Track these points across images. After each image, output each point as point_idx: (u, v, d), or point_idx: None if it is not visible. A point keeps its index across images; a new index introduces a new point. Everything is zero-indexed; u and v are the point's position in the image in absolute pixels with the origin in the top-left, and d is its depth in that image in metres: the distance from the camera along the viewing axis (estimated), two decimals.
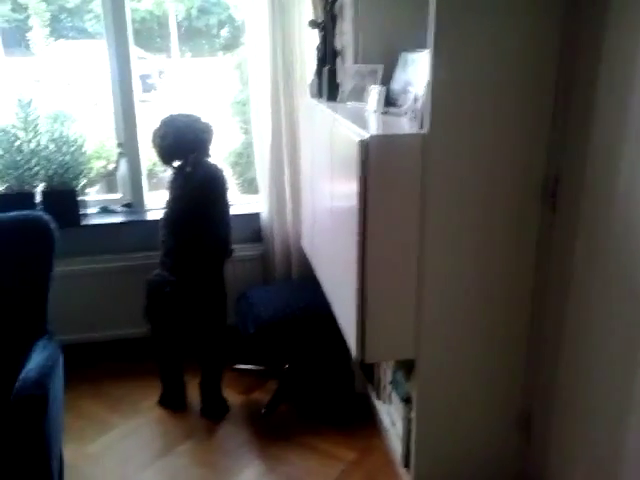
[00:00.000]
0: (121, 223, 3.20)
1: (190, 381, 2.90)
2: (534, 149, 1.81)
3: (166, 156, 2.79)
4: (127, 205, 3.30)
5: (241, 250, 3.15)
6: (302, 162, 2.97)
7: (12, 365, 2.06)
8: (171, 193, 2.79)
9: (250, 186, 4.12)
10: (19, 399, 1.83)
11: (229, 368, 3.06)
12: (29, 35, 3.32)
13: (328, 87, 2.55)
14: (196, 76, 4.66)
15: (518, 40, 1.72)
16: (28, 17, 3.35)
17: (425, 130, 1.75)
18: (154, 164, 3.80)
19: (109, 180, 3.53)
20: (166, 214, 2.74)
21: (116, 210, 3.30)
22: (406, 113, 2.04)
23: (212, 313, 2.67)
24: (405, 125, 1.97)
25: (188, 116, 2.78)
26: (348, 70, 2.48)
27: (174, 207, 2.73)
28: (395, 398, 2.25)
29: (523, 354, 2.00)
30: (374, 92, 2.23)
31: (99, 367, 3.22)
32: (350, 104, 2.44)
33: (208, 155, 2.81)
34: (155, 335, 2.74)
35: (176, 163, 2.80)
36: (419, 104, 1.93)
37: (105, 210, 3.29)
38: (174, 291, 2.57)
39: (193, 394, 2.88)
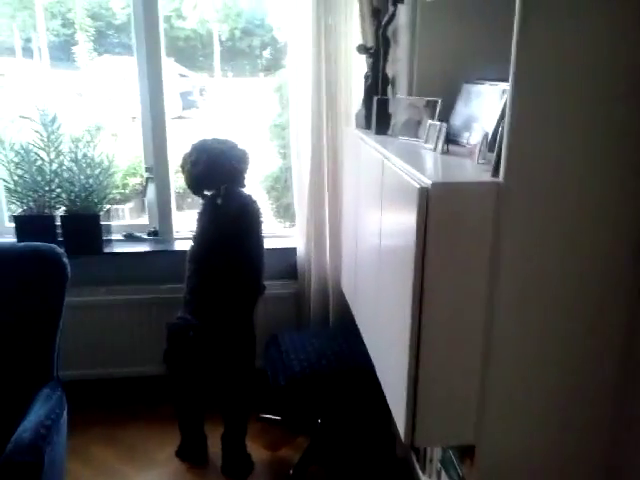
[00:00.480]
0: (146, 252, 2.98)
1: (212, 432, 2.64)
2: (631, 202, 1.52)
3: (196, 185, 2.56)
4: (154, 233, 3.08)
5: (273, 287, 2.89)
6: (344, 197, 2.71)
7: (10, 416, 1.83)
8: (199, 226, 2.55)
9: (286, 212, 3.94)
10: (10, 465, 1.59)
11: (254, 417, 2.79)
12: (74, 49, 3.27)
13: (377, 119, 2.29)
14: (236, 96, 4.61)
15: (621, 73, 1.44)
16: (75, 32, 3.31)
17: (501, 178, 1.48)
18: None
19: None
20: (192, 248, 2.51)
21: (142, 237, 3.08)
22: (471, 154, 1.77)
23: (239, 361, 2.41)
24: (470, 169, 1.70)
25: (223, 142, 2.55)
26: (401, 101, 2.23)
27: (201, 241, 2.49)
28: (445, 479, 1.96)
29: (605, 438, 1.69)
30: (433, 128, 1.97)
31: (113, 408, 2.98)
32: (403, 139, 2.18)
33: (243, 185, 2.58)
34: (175, 383, 2.48)
35: (207, 192, 2.58)
36: (486, 144, 1.67)
37: (130, 237, 3.08)
38: (197, 337, 2.32)
39: (214, 446, 2.62)
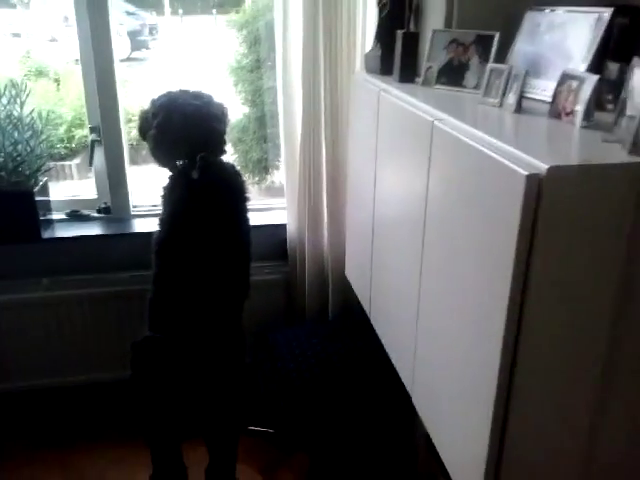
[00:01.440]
0: (96, 237, 2.36)
1: (190, 456, 2.12)
2: None
3: (164, 154, 1.96)
4: (105, 210, 2.46)
5: (258, 271, 2.29)
6: (351, 162, 2.14)
7: None
8: (168, 207, 1.96)
9: (255, 168, 3.33)
10: None
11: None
12: None
13: (403, 61, 1.71)
14: (190, 35, 4.19)
15: None
16: None
17: None
18: None
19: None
20: (159, 236, 1.91)
21: (90, 216, 2.47)
22: (559, 112, 1.23)
23: (226, 383, 1.87)
24: (579, 139, 1.17)
25: (196, 96, 1.94)
26: (439, 37, 1.65)
27: (171, 228, 1.90)
28: None
29: None
30: (496, 74, 1.40)
31: (67, 426, 2.42)
32: (442, 89, 1.62)
33: (223, 152, 1.99)
34: (145, 414, 1.93)
35: (177, 162, 1.98)
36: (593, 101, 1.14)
37: (75, 216, 2.46)
38: (172, 359, 1.77)
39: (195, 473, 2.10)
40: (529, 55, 1.49)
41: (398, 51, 1.72)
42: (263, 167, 3.33)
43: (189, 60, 4.15)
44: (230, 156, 3.82)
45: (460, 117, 1.27)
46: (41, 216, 2.31)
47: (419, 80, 1.70)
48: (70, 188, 2.94)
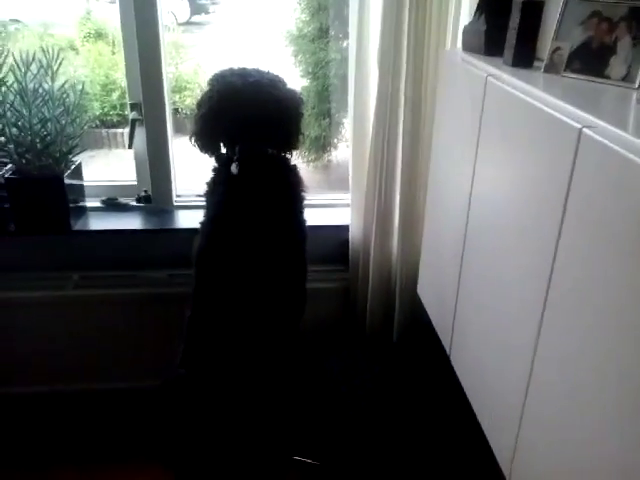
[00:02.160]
0: (132, 232, 2.06)
1: None
2: None
3: (203, 138, 1.63)
4: (145, 199, 2.16)
5: (313, 276, 1.84)
6: (435, 159, 1.77)
7: None
8: (208, 210, 1.64)
9: (314, 146, 2.99)
10: None
11: None
12: None
13: (520, 40, 1.32)
14: (249, 4, 3.72)
15: None
16: None
17: None
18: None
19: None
20: (199, 247, 1.60)
21: (128, 205, 2.17)
22: None
23: (279, 437, 1.55)
24: None
25: (253, 73, 1.60)
26: (573, 9, 1.25)
27: (211, 237, 1.58)
28: None
29: None
30: None
31: (81, 440, 2.14)
32: (573, 77, 1.23)
33: (283, 145, 1.65)
34: (175, 461, 1.62)
35: (222, 150, 1.66)
36: None
37: (111, 204, 2.16)
38: (210, 407, 1.46)
39: None
40: None
41: (514, 26, 1.33)
42: (321, 145, 3.01)
43: (250, 26, 3.87)
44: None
45: (617, 123, 0.89)
46: (73, 203, 2.02)
47: (540, 65, 1.31)
48: (121, 157, 2.67)
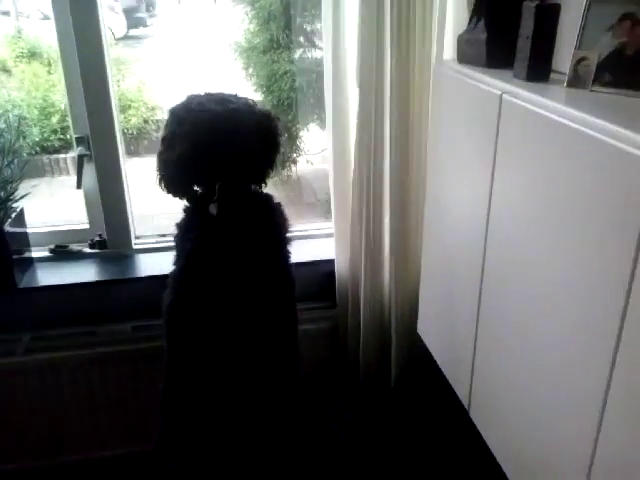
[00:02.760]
0: (87, 285, 1.80)
1: None
2: None
3: (171, 177, 1.40)
4: (100, 243, 1.90)
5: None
6: (434, 180, 1.57)
7: None
8: (179, 258, 1.41)
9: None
10: None
11: None
12: None
13: (535, 50, 1.14)
14: (192, 12, 3.70)
15: None
16: None
17: None
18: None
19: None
20: (169, 303, 1.36)
21: (81, 253, 1.91)
22: None
23: None
24: None
25: (221, 100, 1.38)
26: (596, 11, 1.07)
27: (183, 291, 1.35)
28: None
29: None
30: None
31: None
32: (605, 92, 1.05)
33: (259, 180, 1.43)
34: None
35: (196, 188, 1.43)
36: None
37: (61, 252, 1.90)
38: None
39: None
40: None
41: (527, 34, 1.14)
42: (280, 160, 2.84)
43: (194, 38, 3.68)
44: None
45: None
46: (17, 254, 1.76)
47: (558, 78, 1.14)
48: (65, 184, 2.49)
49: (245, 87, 2.80)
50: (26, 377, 1.80)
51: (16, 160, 1.71)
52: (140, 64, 3.05)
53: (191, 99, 1.40)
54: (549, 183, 0.99)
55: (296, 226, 1.97)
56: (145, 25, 4.52)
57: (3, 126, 1.68)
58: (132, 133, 2.63)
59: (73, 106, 1.75)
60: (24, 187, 1.78)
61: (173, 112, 1.39)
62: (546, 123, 0.98)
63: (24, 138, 2.42)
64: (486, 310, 1.26)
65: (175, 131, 1.35)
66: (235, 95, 1.45)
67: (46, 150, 2.58)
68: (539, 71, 1.15)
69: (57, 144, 2.51)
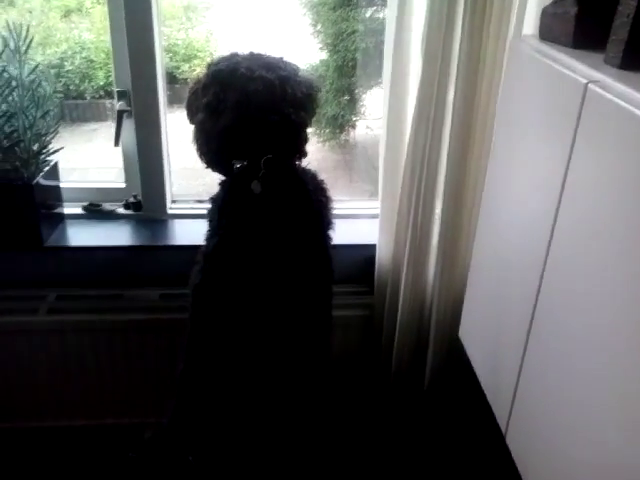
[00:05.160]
0: (116, 248, 1.72)
1: None
2: None
3: (212, 150, 1.28)
4: (135, 205, 1.82)
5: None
6: (495, 171, 1.41)
7: None
8: (212, 235, 1.30)
9: (331, 125, 2.73)
10: None
11: None
12: None
13: (634, 31, 0.96)
14: None
15: None
16: None
17: None
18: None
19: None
20: (196, 283, 1.26)
21: (114, 213, 1.83)
22: None
23: None
24: None
25: (269, 66, 1.25)
26: None
27: (215, 272, 1.25)
28: None
29: None
30: None
31: (70, 474, 1.83)
32: None
33: (301, 154, 1.30)
34: None
35: (234, 163, 1.31)
36: None
37: (94, 211, 1.83)
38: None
39: None
40: None
41: (627, 11, 0.96)
42: (339, 124, 2.77)
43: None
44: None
45: None
46: (48, 210, 1.70)
47: None
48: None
49: (311, 44, 2.70)
50: (47, 337, 1.74)
51: (52, 113, 1.62)
52: (212, 12, 2.96)
53: (237, 60, 1.28)
54: (629, 189, 0.83)
55: (339, 204, 1.86)
56: None
57: (41, 76, 1.58)
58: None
59: (117, 55, 1.65)
60: (85, 130, 1.71)
61: (217, 74, 1.27)
62: (637, 122, 0.81)
63: (89, 81, 2.44)
64: (540, 326, 1.11)
65: (220, 97, 1.23)
66: (282, 59, 1.32)
67: (110, 94, 2.53)
68: (637, 58, 0.97)
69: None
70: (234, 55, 1.30)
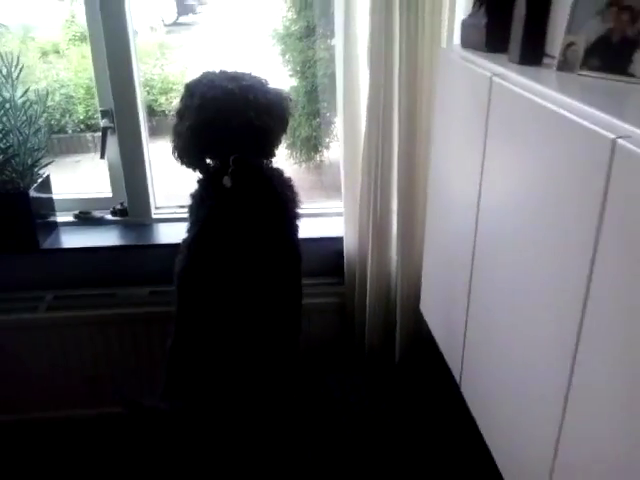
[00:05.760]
0: (107, 249, 1.91)
1: None
2: None
3: (187, 151, 1.48)
4: (121, 212, 2.00)
5: (306, 290, 1.74)
6: (436, 162, 1.62)
7: None
8: (192, 226, 1.49)
9: (305, 147, 2.94)
10: None
11: None
12: None
13: (527, 34, 1.17)
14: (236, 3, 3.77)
15: None
16: None
17: None
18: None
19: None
20: (181, 268, 1.45)
21: (103, 219, 2.02)
22: None
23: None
24: None
25: (234, 78, 1.46)
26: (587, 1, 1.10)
27: (196, 257, 1.43)
28: None
29: None
30: None
31: (71, 463, 1.98)
32: (591, 76, 1.08)
33: (269, 154, 1.50)
34: None
35: (208, 162, 1.52)
36: None
37: (84, 219, 2.01)
38: (192, 442, 1.31)
39: None
40: None
41: (519, 18, 1.17)
42: (312, 145, 2.95)
43: (237, 26, 3.79)
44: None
45: None
46: (42, 219, 1.88)
47: (550, 62, 1.17)
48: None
49: (282, 72, 2.88)
50: (47, 333, 1.91)
51: (43, 130, 1.81)
52: (185, 49, 3.18)
53: (205, 75, 1.48)
54: (535, 167, 1.02)
55: (308, 204, 2.05)
56: (195, 12, 4.65)
57: (33, 98, 1.77)
58: (173, 115, 2.78)
59: (99, 80, 1.85)
60: (68, 162, 1.89)
61: (187, 86, 1.48)
62: (531, 106, 1.01)
63: (70, 116, 2.62)
64: (477, 286, 1.30)
65: (187, 104, 1.44)
66: (249, 74, 1.51)
67: (90, 128, 2.72)
68: (531, 55, 1.18)
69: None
70: (206, 72, 1.51)
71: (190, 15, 4.67)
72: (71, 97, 2.88)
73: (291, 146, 3.70)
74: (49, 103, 1.89)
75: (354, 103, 1.75)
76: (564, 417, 0.92)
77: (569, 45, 1.11)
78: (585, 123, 0.85)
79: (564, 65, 1.12)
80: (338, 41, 1.70)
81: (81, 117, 3.13)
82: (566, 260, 0.91)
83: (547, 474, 0.97)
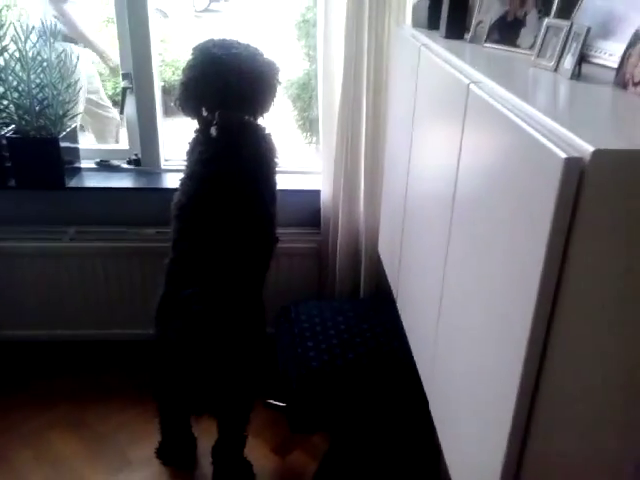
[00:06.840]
0: (123, 190, 2.26)
1: (201, 434, 2.05)
2: None
3: (186, 103, 1.82)
4: (135, 162, 2.35)
5: (289, 237, 2.22)
6: (389, 128, 1.94)
7: None
8: (188, 168, 1.83)
9: (312, 127, 3.41)
10: None
11: (259, 402, 2.16)
12: None
13: (450, 15, 1.48)
14: None
15: None
16: None
17: None
18: None
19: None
20: (180, 201, 1.79)
21: (120, 167, 2.37)
22: (627, 80, 1.00)
23: (240, 356, 1.73)
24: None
25: (229, 45, 1.79)
26: None
27: (190, 193, 1.77)
28: None
29: None
30: (553, 31, 1.17)
31: (79, 382, 2.37)
32: (492, 47, 1.39)
33: (256, 112, 1.82)
34: (158, 379, 1.82)
35: (204, 114, 1.85)
36: None
37: (104, 166, 2.36)
38: (206, 314, 1.62)
39: (204, 448, 2.02)
40: (601, 10, 1.23)
41: (445, 3, 1.49)
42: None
43: (264, 13, 4.08)
44: (290, 113, 3.72)
45: (501, 80, 1.05)
46: (69, 164, 2.23)
47: (469, 37, 1.48)
48: None
49: (297, 56, 3.25)
50: (69, 261, 2.27)
51: (73, 87, 2.16)
52: (213, 34, 3.53)
53: (208, 41, 1.82)
54: (440, 125, 1.31)
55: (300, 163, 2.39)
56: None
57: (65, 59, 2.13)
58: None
59: (122, 46, 2.19)
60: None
61: (193, 49, 1.82)
62: (435, 65, 1.32)
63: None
64: (407, 233, 1.62)
65: (189, 64, 1.78)
66: (245, 44, 1.83)
67: (117, 104, 3.07)
68: (454, 30, 1.49)
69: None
70: (210, 39, 1.83)
71: (222, 2, 4.82)
72: (101, 74, 3.26)
73: (301, 127, 4.02)
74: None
75: (331, 73, 2.06)
76: (440, 313, 1.24)
77: (478, 23, 1.42)
78: (456, 73, 1.16)
79: (474, 38, 1.43)
80: (319, 22, 2.02)
81: (109, 93, 3.52)
82: (441, 210, 1.21)
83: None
